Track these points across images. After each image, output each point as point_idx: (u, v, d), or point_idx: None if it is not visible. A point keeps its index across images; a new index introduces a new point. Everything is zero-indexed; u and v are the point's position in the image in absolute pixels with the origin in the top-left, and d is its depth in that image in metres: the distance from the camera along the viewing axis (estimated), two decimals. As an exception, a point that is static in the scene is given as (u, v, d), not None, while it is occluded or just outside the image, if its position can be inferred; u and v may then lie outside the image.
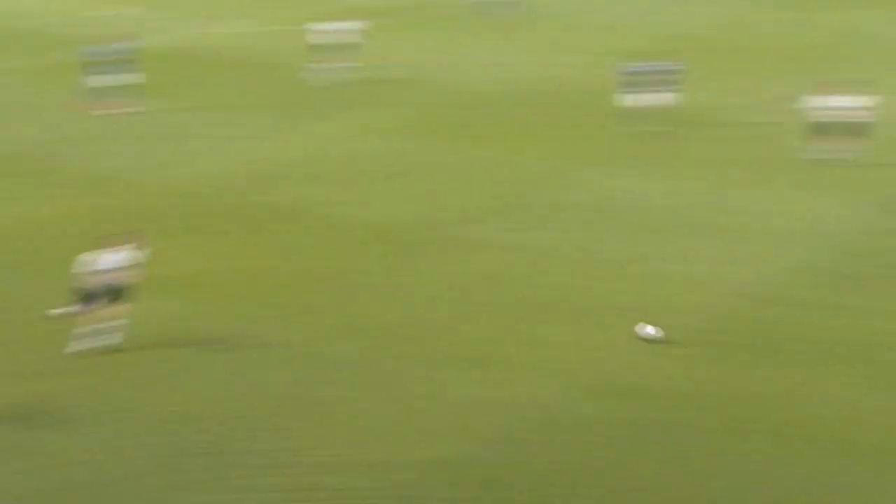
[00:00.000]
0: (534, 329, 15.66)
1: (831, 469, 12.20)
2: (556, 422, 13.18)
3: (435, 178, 22.39)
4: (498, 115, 27.32)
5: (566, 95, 28.73)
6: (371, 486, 11.89)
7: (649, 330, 15.30)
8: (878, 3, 39.93)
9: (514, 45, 35.04)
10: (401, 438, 12.81)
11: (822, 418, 13.24)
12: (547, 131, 25.91)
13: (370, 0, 39.86)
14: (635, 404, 13.50)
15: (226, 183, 21.91)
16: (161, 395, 13.75)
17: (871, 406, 13.50)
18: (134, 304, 14.80)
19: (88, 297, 14.35)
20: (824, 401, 13.61)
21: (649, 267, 17.82)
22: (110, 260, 14.52)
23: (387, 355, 14.90)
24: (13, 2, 41.77)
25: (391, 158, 23.67)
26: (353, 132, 25.59)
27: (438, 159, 23.66)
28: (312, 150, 24.29)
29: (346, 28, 29.85)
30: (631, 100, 24.47)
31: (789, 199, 20.88)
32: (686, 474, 12.12)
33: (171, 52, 33.41)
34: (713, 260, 18.03)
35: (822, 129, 22.13)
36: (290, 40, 33.74)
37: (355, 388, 14.04)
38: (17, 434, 12.97)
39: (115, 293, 14.39)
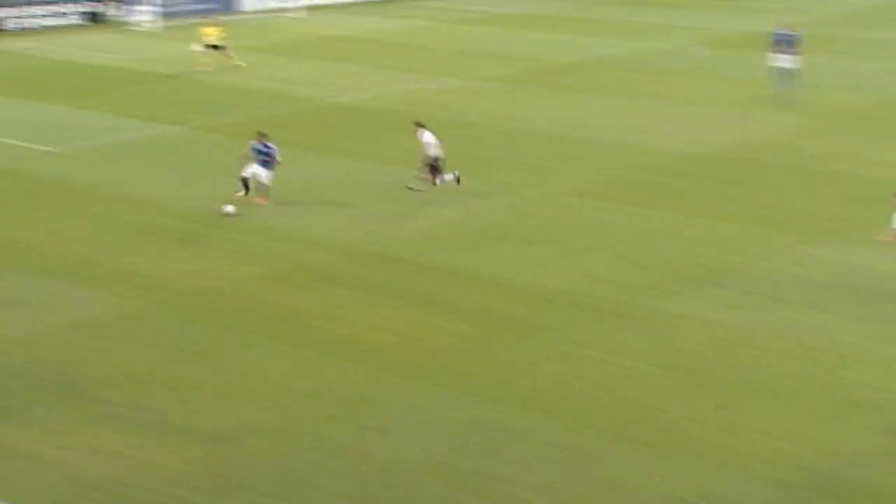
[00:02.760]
0: (731, 414, 15.16)
1: None
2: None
3: (624, 246, 21.90)
4: (694, 179, 26.75)
5: (773, 158, 28.30)
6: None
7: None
8: None
9: (703, 103, 34.77)
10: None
11: None
12: (750, 197, 25.24)
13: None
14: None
15: (387, 245, 21.92)
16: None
17: None
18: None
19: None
20: None
21: (879, 353, 17.01)
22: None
23: (570, 432, 14.58)
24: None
25: (577, 223, 23.32)
26: (549, 194, 25.28)
27: (629, 225, 23.21)
28: (487, 212, 24.06)
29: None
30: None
31: None
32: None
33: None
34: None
35: None
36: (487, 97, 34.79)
37: (533, 466, 13.76)
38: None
39: None
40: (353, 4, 59.24)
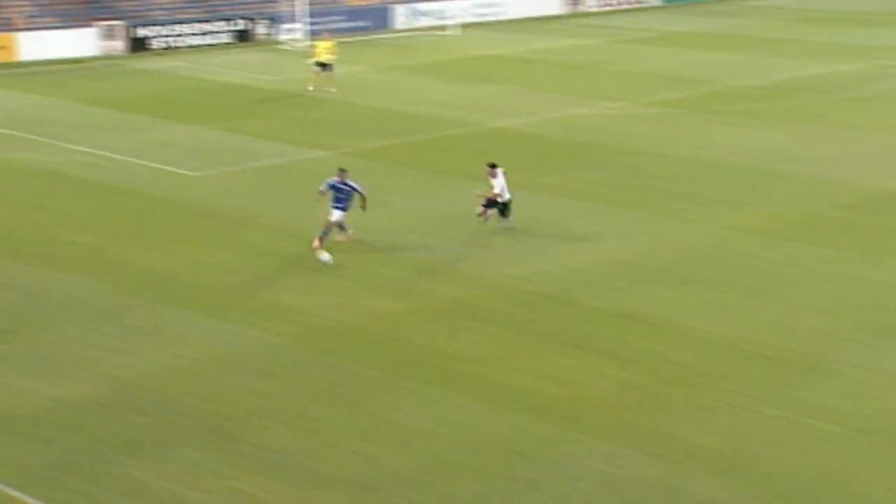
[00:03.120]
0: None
1: None
2: None
3: (808, 290, 21.30)
4: (892, 217, 26.06)
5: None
6: None
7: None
8: None
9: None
10: None
11: None
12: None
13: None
14: None
15: (572, 283, 21.84)
16: None
17: None
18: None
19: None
20: None
21: None
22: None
23: (748, 500, 14.05)
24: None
25: (755, 263, 22.79)
26: (723, 230, 24.93)
27: (814, 267, 22.58)
28: (652, 249, 23.84)
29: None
30: None
31: None
32: None
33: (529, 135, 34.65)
34: None
35: None
36: (656, 123, 34.58)
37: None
38: None
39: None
40: (513, 22, 59.73)
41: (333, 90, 40.53)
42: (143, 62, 47.15)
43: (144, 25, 49.61)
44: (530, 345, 18.83)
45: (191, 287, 21.43)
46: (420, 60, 48.10)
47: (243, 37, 51.78)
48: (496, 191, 24.55)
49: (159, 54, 49.05)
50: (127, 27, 49.02)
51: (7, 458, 14.97)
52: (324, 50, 41.04)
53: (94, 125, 35.35)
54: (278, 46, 51.31)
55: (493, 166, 24.77)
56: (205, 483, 14.43)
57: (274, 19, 52.56)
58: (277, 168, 30.48)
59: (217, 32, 51.31)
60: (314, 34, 51.51)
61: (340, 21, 54.20)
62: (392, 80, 43.58)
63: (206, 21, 51.19)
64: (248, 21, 52.10)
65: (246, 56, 48.45)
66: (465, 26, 56.70)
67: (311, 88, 40.75)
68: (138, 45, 49.15)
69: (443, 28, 56.32)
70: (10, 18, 47.82)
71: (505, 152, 32.01)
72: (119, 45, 48.77)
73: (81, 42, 47.92)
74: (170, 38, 50.09)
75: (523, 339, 19.08)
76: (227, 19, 51.75)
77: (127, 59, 47.97)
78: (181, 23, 50.58)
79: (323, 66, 40.90)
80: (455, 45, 52.31)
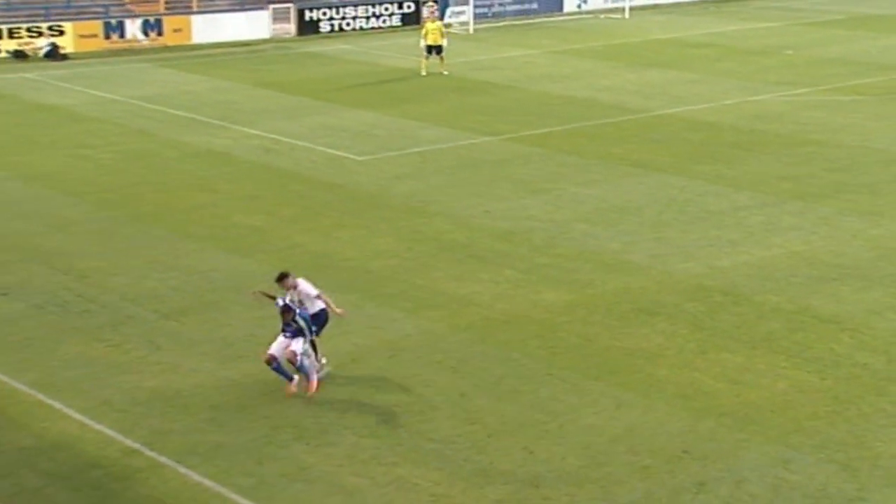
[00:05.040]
0: None
1: None
2: None
3: None
4: None
5: None
6: None
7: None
8: None
9: None
10: None
11: None
12: None
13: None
14: None
15: (744, 278, 21.43)
16: None
17: None
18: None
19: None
20: None
21: None
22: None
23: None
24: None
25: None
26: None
27: None
28: (836, 244, 23.20)
29: None
30: None
31: None
32: None
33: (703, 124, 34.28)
34: None
35: None
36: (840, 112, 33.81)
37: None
38: None
39: None
40: (684, 4, 58.74)
41: (446, 73, 41.01)
42: (310, 45, 48.23)
43: (313, 8, 50.76)
44: (700, 341, 18.58)
45: (354, 272, 21.86)
46: (589, 44, 47.77)
47: (411, 19, 52.42)
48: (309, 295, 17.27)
49: (327, 37, 50.10)
50: (298, 10, 50.27)
51: (177, 435, 15.65)
52: (432, 32, 41.28)
53: (265, 108, 36.38)
54: (446, 30, 51.80)
55: (286, 277, 17.21)
56: (367, 469, 14.77)
57: (438, 2, 52.97)
58: (441, 153, 30.74)
59: (382, 15, 52.09)
60: (481, 17, 51.83)
61: (509, 3, 54.32)
62: (560, 64, 43.44)
63: (375, 3, 52.05)
64: (415, 4, 52.71)
65: (412, 39, 48.97)
66: (637, 9, 56.08)
67: (423, 74, 41.16)
68: (307, 27, 50.34)
69: (616, 11, 55.85)
70: (186, 1, 49.67)
71: (677, 141, 31.63)
72: (290, 27, 50.07)
73: (253, 24, 49.39)
74: (338, 21, 51.11)
75: (692, 334, 18.84)
76: (395, 2, 52.49)
77: (295, 42, 49.17)
78: (349, 5, 51.54)
79: (431, 49, 41.13)
80: (626, 29, 51.80)
